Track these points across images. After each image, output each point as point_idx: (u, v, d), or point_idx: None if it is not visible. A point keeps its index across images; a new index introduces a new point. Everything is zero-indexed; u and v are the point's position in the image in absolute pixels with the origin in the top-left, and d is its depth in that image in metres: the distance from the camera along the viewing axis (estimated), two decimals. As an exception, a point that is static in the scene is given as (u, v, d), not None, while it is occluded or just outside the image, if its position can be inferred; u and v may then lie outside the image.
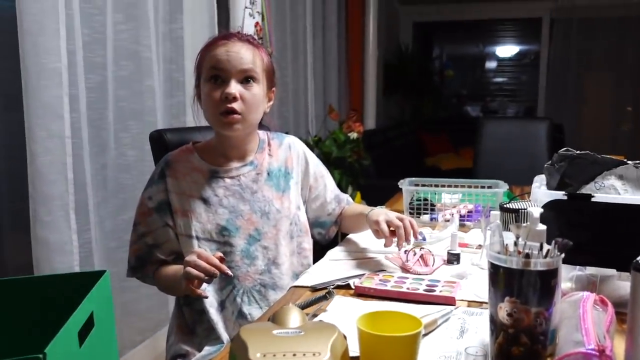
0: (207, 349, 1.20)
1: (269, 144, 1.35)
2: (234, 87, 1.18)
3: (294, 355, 0.65)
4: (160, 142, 1.50)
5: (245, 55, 1.20)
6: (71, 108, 1.72)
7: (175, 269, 1.22)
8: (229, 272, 1.06)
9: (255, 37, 1.37)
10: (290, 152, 1.38)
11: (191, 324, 1.25)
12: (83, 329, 0.82)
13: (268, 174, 1.31)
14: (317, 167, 1.44)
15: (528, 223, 0.91)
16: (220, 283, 1.22)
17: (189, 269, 1.03)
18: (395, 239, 1.24)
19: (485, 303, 0.97)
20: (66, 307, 0.84)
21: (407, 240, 1.24)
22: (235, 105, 1.18)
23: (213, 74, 1.20)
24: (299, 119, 3.79)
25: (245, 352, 0.66)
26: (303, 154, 1.41)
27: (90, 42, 1.89)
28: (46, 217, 1.66)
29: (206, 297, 1.15)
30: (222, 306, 1.23)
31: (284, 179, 1.34)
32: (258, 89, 1.22)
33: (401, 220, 1.24)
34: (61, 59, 1.64)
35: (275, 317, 0.76)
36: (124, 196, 2.09)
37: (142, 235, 1.26)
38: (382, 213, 1.29)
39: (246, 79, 1.21)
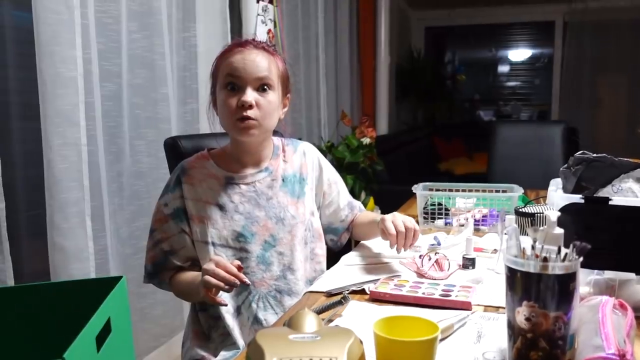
0: (222, 354, 1.21)
1: (283, 150, 1.36)
2: (250, 95, 1.18)
3: (310, 354, 0.65)
4: (175, 149, 1.52)
5: (261, 63, 1.21)
6: (87, 116, 1.74)
7: (192, 275, 1.22)
8: (248, 281, 1.07)
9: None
10: (305, 158, 1.38)
11: (207, 329, 1.26)
12: (100, 334, 0.83)
13: (283, 180, 1.32)
14: (331, 173, 1.44)
15: (545, 227, 0.90)
16: (237, 289, 1.22)
17: (208, 277, 1.03)
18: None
19: (502, 308, 0.96)
20: (84, 312, 0.84)
21: (405, 247, 1.23)
22: (251, 113, 1.19)
23: (229, 81, 1.20)
24: (311, 124, 3.79)
25: (262, 356, 0.66)
26: (317, 160, 1.41)
27: (106, 51, 1.92)
28: (63, 224, 1.67)
29: (225, 305, 1.16)
30: (237, 312, 1.23)
31: (298, 185, 1.34)
32: (273, 96, 1.23)
33: (405, 226, 1.23)
34: (77, 68, 1.66)
35: (291, 322, 0.76)
36: (139, 203, 2.11)
37: (158, 241, 1.26)
38: (391, 215, 1.29)
39: (262, 86, 1.21)
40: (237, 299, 1.24)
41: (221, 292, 1.08)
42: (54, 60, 1.61)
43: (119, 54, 1.97)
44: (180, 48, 2.31)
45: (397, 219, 1.25)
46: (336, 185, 1.44)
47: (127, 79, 2.02)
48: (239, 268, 1.05)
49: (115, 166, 2.00)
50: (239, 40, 1.26)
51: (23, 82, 1.75)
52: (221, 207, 1.25)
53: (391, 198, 2.45)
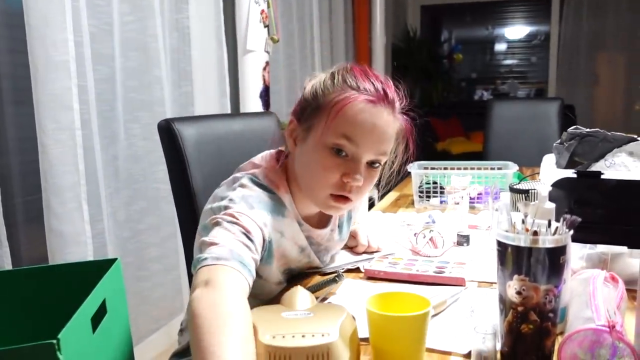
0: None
1: None
2: (362, 174, 0.94)
3: (303, 336, 0.66)
4: (169, 132, 1.51)
5: (387, 133, 0.94)
6: (80, 100, 1.73)
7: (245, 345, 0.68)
8: None
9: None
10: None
11: None
12: (96, 316, 0.83)
13: (339, 226, 1.17)
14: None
15: (536, 202, 0.90)
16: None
17: None
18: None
19: (496, 283, 0.97)
20: (79, 295, 0.85)
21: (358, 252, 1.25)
22: (352, 195, 0.96)
23: (343, 144, 0.92)
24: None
25: (255, 334, 0.67)
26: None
27: (98, 34, 1.90)
28: (59, 208, 1.68)
29: None
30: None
31: (346, 224, 1.21)
32: (379, 169, 0.99)
33: (370, 245, 1.25)
34: (69, 51, 1.65)
35: (284, 300, 0.77)
36: (135, 186, 2.11)
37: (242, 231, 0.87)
38: (367, 228, 1.29)
39: (376, 161, 0.96)
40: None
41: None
42: (45, 44, 1.60)
43: (111, 37, 1.95)
44: (173, 30, 2.29)
45: (371, 238, 1.26)
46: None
47: (120, 62, 2.00)
48: None
49: (110, 150, 2.00)
50: (378, 90, 0.94)
51: (15, 66, 1.74)
52: (301, 249, 1.06)
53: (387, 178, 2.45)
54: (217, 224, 0.86)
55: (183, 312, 2.30)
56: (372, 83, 0.94)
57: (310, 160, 0.95)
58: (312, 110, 0.95)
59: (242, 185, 0.97)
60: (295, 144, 0.99)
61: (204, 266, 0.77)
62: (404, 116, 0.99)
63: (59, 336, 0.63)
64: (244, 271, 0.79)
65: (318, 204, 0.99)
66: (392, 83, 0.98)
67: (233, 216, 0.87)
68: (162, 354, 2.21)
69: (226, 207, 0.90)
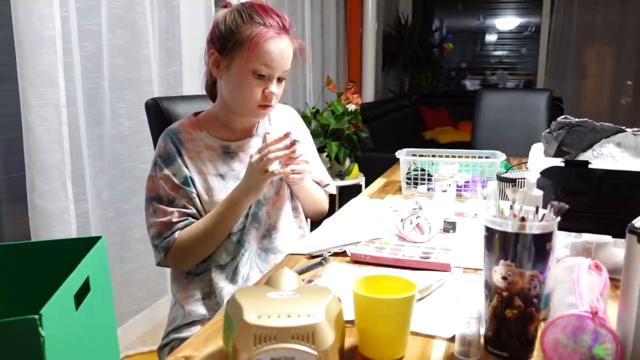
0: (203, 314, 1.22)
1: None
2: (275, 87, 1.22)
3: (289, 316, 0.65)
4: (157, 111, 1.49)
5: (289, 55, 1.23)
6: (66, 77, 1.70)
7: (212, 212, 1.23)
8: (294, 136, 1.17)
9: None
10: (289, 121, 1.42)
11: (198, 292, 1.26)
12: (79, 293, 0.82)
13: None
14: (311, 148, 1.48)
15: (524, 188, 0.90)
16: (232, 248, 1.26)
17: (265, 156, 1.13)
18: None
19: (481, 270, 0.98)
20: (62, 273, 0.84)
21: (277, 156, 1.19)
22: (272, 102, 1.24)
23: (262, 71, 1.19)
24: (296, 90, 3.76)
25: (241, 314, 0.66)
26: (299, 127, 1.45)
27: (85, 10, 1.87)
28: (43, 186, 1.65)
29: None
30: (228, 272, 1.25)
31: None
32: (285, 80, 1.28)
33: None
34: (55, 27, 1.62)
35: (271, 281, 0.76)
36: (120, 166, 2.09)
37: (178, 206, 1.23)
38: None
39: (282, 77, 1.24)
40: (231, 258, 1.25)
41: (217, 251, 1.22)
42: (31, 19, 1.57)
43: (98, 13, 1.92)
44: (162, 8, 2.26)
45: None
46: (314, 158, 1.46)
47: (107, 39, 1.97)
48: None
49: (96, 129, 1.98)
50: (279, 24, 1.21)
51: (-1, 41, 1.71)
52: (222, 176, 1.27)
53: (375, 165, 2.46)
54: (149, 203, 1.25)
55: (167, 294, 2.29)
56: (273, 18, 1.21)
57: (237, 85, 1.21)
58: (232, 45, 1.19)
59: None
60: (219, 71, 1.24)
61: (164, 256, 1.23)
62: (296, 38, 1.26)
63: (41, 312, 0.62)
64: (185, 223, 1.22)
65: (250, 115, 1.26)
66: (284, 14, 1.25)
67: (152, 189, 1.24)
68: (146, 334, 2.20)
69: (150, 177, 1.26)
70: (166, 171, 1.23)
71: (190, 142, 1.27)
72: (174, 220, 1.21)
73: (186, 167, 1.24)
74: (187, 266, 1.26)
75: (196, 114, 1.33)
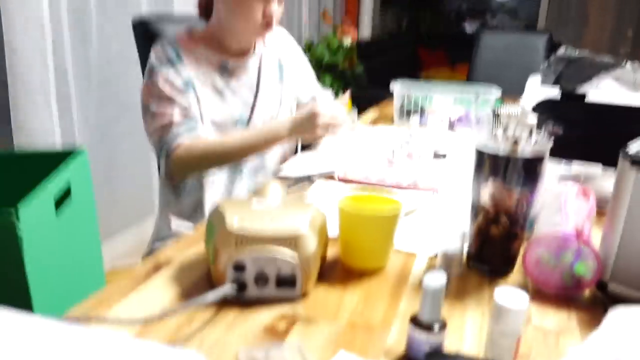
0: (187, 225, 1.22)
1: None
2: (276, 7, 1.20)
3: (272, 222, 0.64)
4: (144, 29, 1.44)
5: None
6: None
7: (238, 135, 1.18)
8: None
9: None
10: (283, 43, 1.41)
11: (187, 208, 1.25)
12: (61, 201, 0.81)
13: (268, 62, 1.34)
14: (305, 64, 1.48)
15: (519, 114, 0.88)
16: (231, 168, 1.25)
17: (326, 118, 1.13)
18: None
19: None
20: (44, 183, 0.82)
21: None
22: (274, 21, 1.21)
23: None
24: (292, 23, 3.66)
25: (223, 220, 0.65)
26: (296, 48, 1.45)
27: None
28: (27, 106, 1.62)
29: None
30: (225, 191, 1.26)
31: (278, 70, 1.36)
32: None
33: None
34: None
35: (257, 192, 0.75)
36: (107, 89, 2.04)
37: (183, 109, 1.16)
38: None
39: None
40: (228, 178, 1.26)
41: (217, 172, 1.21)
42: None
43: None
44: None
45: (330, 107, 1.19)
46: (309, 77, 1.48)
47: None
48: None
49: (81, 49, 1.91)
50: None
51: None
52: (220, 92, 1.23)
53: (369, 101, 2.43)
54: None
55: (154, 214, 2.29)
56: None
57: (238, 7, 1.17)
58: None
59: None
60: None
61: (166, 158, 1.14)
62: None
63: (18, 205, 0.61)
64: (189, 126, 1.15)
65: (250, 36, 1.23)
66: None
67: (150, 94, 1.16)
68: (133, 249, 2.21)
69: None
70: (165, 71, 1.16)
71: (188, 50, 1.21)
72: (175, 120, 1.14)
73: (186, 71, 1.19)
74: (187, 175, 1.22)
75: (189, 31, 1.28)
